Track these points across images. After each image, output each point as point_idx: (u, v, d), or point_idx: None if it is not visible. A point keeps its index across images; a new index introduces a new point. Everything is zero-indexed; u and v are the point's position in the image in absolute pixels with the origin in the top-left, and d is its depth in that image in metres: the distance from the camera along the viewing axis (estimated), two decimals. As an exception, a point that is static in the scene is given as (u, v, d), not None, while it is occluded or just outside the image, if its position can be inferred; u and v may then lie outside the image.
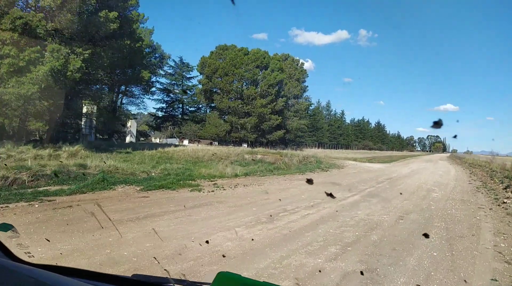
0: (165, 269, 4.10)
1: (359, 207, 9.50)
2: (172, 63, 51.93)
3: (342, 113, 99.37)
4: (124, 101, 47.46)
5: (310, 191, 11.46)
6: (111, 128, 41.24)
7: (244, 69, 40.82)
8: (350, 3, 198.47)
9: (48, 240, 5.12)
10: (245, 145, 43.50)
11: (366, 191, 12.92)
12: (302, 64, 53.54)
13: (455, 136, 1.99)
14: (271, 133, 43.96)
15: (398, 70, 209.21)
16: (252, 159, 23.70)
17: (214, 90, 42.83)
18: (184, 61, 52.12)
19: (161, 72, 50.74)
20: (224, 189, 11.43)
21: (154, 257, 4.64)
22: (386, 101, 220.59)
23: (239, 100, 42.13)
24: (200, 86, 45.18)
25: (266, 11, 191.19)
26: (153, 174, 14.91)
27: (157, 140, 43.71)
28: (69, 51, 18.46)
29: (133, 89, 46.47)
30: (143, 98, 49.12)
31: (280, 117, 43.37)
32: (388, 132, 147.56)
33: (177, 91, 52.59)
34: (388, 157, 57.92)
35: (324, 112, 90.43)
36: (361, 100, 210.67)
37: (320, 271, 4.46)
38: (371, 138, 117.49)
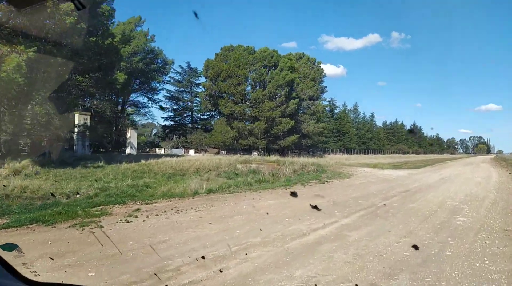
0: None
1: (317, 253, 5.41)
2: (180, 70, 49.51)
3: (372, 116, 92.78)
4: (130, 111, 45.54)
5: (263, 219, 7.56)
6: (111, 140, 39.04)
7: (248, 70, 37.10)
8: (380, 5, 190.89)
9: None
10: (255, 153, 39.61)
11: (356, 214, 8.68)
12: (319, 63, 49.09)
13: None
14: (282, 138, 39.68)
15: (435, 70, 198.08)
16: (234, 172, 19.87)
17: (218, 95, 39.42)
18: (192, 67, 49.52)
19: (167, 79, 48.37)
20: (129, 222, 7.76)
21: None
22: (424, 103, 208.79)
23: (245, 104, 38.34)
24: (204, 91, 41.98)
25: (294, 19, 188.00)
26: (78, 195, 11.57)
27: (162, 151, 40.83)
28: (8, 49, 15.66)
29: (138, 97, 44.49)
30: (150, 107, 46.83)
31: (293, 121, 39.07)
32: (425, 134, 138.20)
33: (186, 98, 49.88)
34: (422, 161, 51.77)
35: (352, 115, 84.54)
36: (396, 104, 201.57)
37: None
38: (406, 141, 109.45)
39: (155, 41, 41.09)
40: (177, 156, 33.54)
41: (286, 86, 38.57)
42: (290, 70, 38.75)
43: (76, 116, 28.35)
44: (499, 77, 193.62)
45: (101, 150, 35.95)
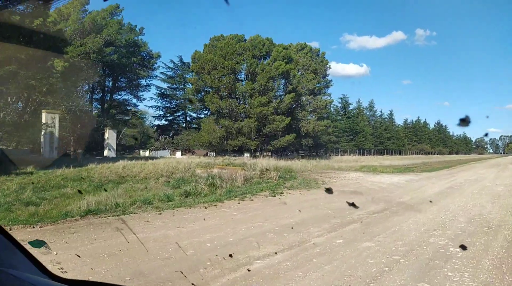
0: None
1: None
2: (172, 65, 46.01)
3: (391, 114, 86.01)
4: (116, 111, 42.30)
5: None
6: (87, 141, 35.87)
7: (236, 60, 32.82)
8: (403, 2, 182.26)
9: None
10: (247, 155, 35.34)
11: (241, 271, 4.39)
12: (324, 54, 44.17)
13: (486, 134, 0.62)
14: (277, 138, 35.12)
15: (462, 68, 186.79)
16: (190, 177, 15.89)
17: (205, 90, 35.39)
18: (185, 61, 45.91)
19: (159, 75, 44.95)
20: None
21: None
22: (452, 102, 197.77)
23: (233, 99, 34.06)
24: (191, 87, 38.04)
25: (316, 19, 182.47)
26: None
27: (146, 153, 37.32)
28: None
29: (121, 95, 41.19)
30: (137, 105, 43.47)
31: (289, 118, 34.50)
32: (452, 133, 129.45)
33: (179, 96, 46.29)
34: (442, 163, 46.00)
35: (367, 113, 78.45)
36: (422, 103, 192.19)
37: None
38: (429, 141, 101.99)
39: (143, 34, 37.40)
40: (153, 158, 29.87)
41: (279, 79, 34.11)
42: (286, 60, 34.19)
43: (43, 114, 25.39)
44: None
45: (73, 152, 32.91)
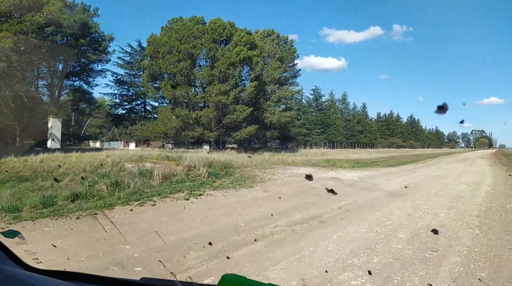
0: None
1: None
2: (129, 49, 42.77)
3: (364, 107, 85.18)
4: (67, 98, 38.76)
5: None
6: (34, 130, 32.61)
7: (192, 44, 30.12)
8: None
9: None
10: (206, 147, 32.92)
11: None
12: (292, 41, 41.95)
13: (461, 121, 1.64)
14: (238, 129, 32.80)
15: (437, 63, 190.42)
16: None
17: (160, 75, 32.54)
18: (143, 46, 42.67)
19: (116, 60, 41.70)
20: None
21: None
22: (425, 97, 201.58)
23: (188, 87, 31.39)
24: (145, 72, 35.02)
25: (295, 12, 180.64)
26: None
27: (97, 145, 34.26)
28: None
29: (74, 80, 37.75)
30: (91, 93, 39.95)
31: (251, 108, 32.24)
32: (424, 127, 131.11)
33: (138, 83, 43.11)
34: (411, 157, 45.13)
35: (340, 106, 77.13)
36: (398, 97, 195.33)
37: None
38: (401, 134, 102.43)
39: (98, 16, 34.06)
40: (102, 150, 27.23)
41: (241, 66, 31.70)
42: (248, 46, 31.78)
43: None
44: (502, 70, 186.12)
45: (10, 142, 29.63)
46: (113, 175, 13.57)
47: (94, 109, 42.24)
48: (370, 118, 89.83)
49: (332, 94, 73.57)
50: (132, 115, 43.28)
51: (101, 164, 15.62)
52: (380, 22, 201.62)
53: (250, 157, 20.86)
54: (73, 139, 38.37)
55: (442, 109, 0.93)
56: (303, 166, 18.72)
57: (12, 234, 1.34)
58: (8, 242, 1.28)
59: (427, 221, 7.24)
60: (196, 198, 9.29)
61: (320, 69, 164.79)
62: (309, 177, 1.38)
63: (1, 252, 1.23)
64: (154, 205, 8.38)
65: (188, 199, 9.10)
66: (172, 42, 29.80)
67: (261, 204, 8.80)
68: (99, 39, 35.11)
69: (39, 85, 34.66)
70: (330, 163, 21.83)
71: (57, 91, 35.33)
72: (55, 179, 8.10)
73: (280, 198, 9.71)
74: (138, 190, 9.84)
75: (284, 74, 39.17)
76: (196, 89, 32.75)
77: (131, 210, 7.84)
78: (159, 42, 31.07)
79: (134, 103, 44.04)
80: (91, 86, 35.63)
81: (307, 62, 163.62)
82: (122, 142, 35.25)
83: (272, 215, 7.53)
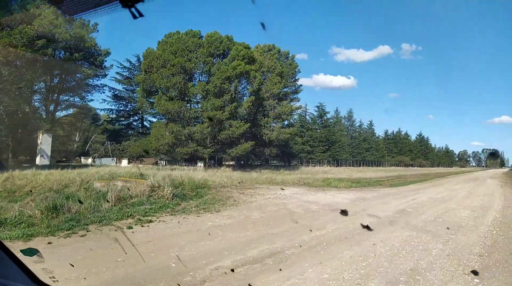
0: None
1: None
2: (128, 65, 42.22)
3: (371, 124, 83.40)
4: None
5: None
6: (25, 146, 31.77)
7: (186, 58, 29.19)
8: (390, 17, 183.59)
9: None
10: (200, 164, 31.52)
11: None
12: (293, 56, 40.97)
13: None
14: (233, 146, 31.40)
15: (447, 82, 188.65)
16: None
17: (154, 90, 31.58)
18: (142, 61, 42.06)
19: (114, 75, 41.10)
20: None
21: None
22: (437, 115, 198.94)
23: (182, 101, 30.26)
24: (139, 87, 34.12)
25: (304, 32, 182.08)
26: None
27: (88, 161, 33.16)
28: None
29: (71, 95, 37.04)
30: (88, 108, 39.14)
31: (248, 124, 30.95)
32: (434, 146, 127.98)
33: (136, 98, 42.30)
34: (419, 175, 43.20)
35: (346, 123, 75.45)
36: (409, 116, 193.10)
37: None
38: (410, 152, 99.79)
39: (97, 31, 33.54)
40: (92, 166, 26.20)
41: (238, 80, 30.58)
42: (246, 60, 30.74)
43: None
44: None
45: (5, 157, 28.70)
46: (82, 194, 12.42)
47: (99, 125, 41.65)
48: (377, 135, 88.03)
49: (337, 111, 72.14)
50: (129, 131, 42.39)
51: (65, 186, 14.29)
52: (389, 41, 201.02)
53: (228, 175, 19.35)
54: (68, 155, 37.39)
55: (494, 155, 0.60)
56: (292, 186, 17.17)
57: (31, 252, 1.36)
58: (26, 260, 1.28)
59: (413, 261, 5.66)
60: (143, 226, 7.83)
61: (329, 87, 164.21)
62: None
63: (17, 269, 1.23)
64: (83, 236, 6.95)
65: (131, 228, 7.65)
66: (166, 55, 28.94)
67: (217, 235, 7.30)
68: (95, 53, 34.47)
69: (34, 99, 34.14)
70: (325, 182, 20.19)
71: (52, 106, 34.68)
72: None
73: (246, 226, 8.19)
74: (78, 215, 8.42)
75: (285, 89, 38.02)
76: (193, 104, 31.63)
77: (49, 242, 6.40)
78: (153, 56, 30.24)
79: (131, 118, 43.22)
80: (85, 101, 34.57)
81: (316, 80, 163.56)
82: (115, 158, 34.12)
83: (223, 250, 6.06)
